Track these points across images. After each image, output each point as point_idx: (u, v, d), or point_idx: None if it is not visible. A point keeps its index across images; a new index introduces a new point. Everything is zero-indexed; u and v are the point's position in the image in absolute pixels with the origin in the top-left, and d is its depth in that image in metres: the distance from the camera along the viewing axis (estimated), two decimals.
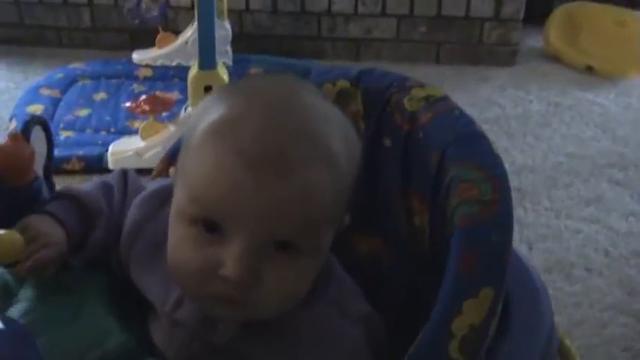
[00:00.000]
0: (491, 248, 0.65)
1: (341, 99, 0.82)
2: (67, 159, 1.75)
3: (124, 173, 0.80)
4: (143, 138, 1.74)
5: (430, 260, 0.78)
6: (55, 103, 2.00)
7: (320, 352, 0.68)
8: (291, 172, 0.60)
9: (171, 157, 0.86)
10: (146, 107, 1.69)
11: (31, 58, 2.35)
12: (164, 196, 0.72)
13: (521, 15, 2.35)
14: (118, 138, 1.82)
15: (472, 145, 0.72)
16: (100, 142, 1.83)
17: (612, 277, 1.50)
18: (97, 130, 1.90)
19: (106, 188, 0.78)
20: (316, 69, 0.86)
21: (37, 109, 1.95)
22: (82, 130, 1.90)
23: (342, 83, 0.82)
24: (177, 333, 0.70)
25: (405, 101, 0.78)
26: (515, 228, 1.56)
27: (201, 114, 0.66)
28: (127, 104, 1.77)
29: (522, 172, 1.83)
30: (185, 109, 1.81)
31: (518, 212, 1.64)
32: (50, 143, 0.81)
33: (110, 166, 1.74)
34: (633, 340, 1.35)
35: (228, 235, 0.62)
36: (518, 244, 1.56)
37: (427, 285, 0.76)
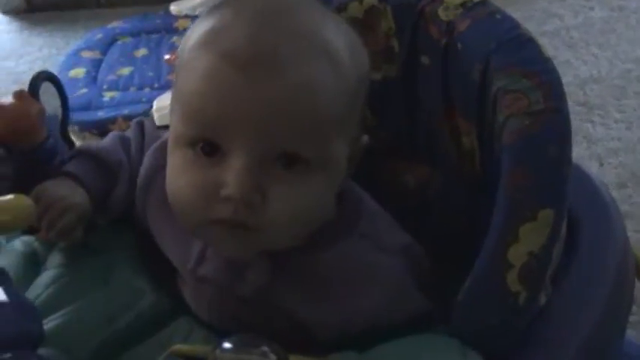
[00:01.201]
0: (547, 163, 0.57)
1: (370, 17, 0.74)
2: (112, 119, 1.72)
3: (141, 124, 0.75)
4: None
5: (482, 180, 0.71)
6: (97, 64, 1.96)
7: (358, 288, 0.63)
8: (285, 69, 0.56)
9: None
10: None
11: (71, 23, 2.32)
12: None
13: None
14: (162, 93, 1.77)
15: (517, 50, 0.63)
16: (144, 99, 1.79)
17: None
18: (140, 88, 1.86)
19: (124, 141, 0.73)
20: None
21: (78, 72, 1.91)
22: (125, 89, 1.86)
23: (370, 0, 0.74)
24: (205, 290, 0.65)
25: (440, 11, 0.69)
26: (584, 144, 1.50)
27: (190, 31, 0.62)
28: (167, 57, 1.72)
29: (587, 84, 1.71)
30: None
31: (585, 127, 1.54)
32: (64, 98, 0.75)
33: (157, 122, 1.69)
34: None
35: (228, 153, 0.57)
36: (588, 161, 1.46)
37: (484, 206, 0.69)
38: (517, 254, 0.56)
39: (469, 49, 0.67)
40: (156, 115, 1.75)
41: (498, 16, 0.67)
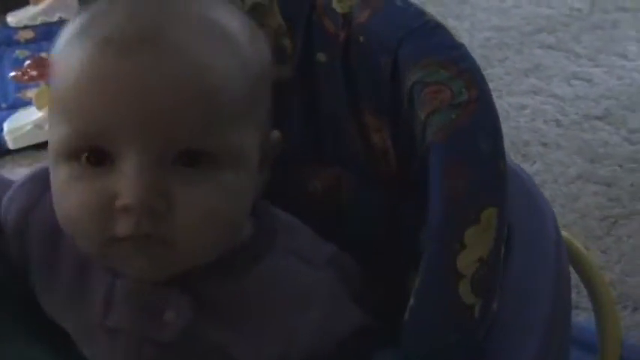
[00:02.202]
0: (482, 158, 0.53)
1: (256, 15, 0.67)
2: None
3: None
4: (39, 108, 1.56)
5: (401, 182, 0.66)
6: None
7: (291, 309, 0.57)
8: (176, 50, 0.49)
9: None
10: (33, 73, 1.51)
11: None
12: (46, 177, 0.57)
13: None
14: (12, 114, 1.63)
15: (427, 38, 0.59)
16: None
17: (570, 146, 1.42)
18: None
19: None
20: None
21: None
22: None
23: None
24: (118, 343, 0.56)
25: (334, 3, 0.64)
26: None
27: (65, 27, 0.54)
28: (12, 74, 1.58)
29: None
30: None
31: None
32: None
33: (10, 146, 1.56)
34: (607, 208, 1.28)
35: (118, 157, 0.49)
36: None
37: (405, 210, 0.65)
38: (466, 262, 0.51)
39: (372, 41, 0.61)
40: (9, 139, 1.62)
41: (399, 3, 0.62)
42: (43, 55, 1.63)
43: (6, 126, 1.57)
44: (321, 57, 0.66)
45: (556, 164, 1.38)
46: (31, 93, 1.61)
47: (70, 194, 0.51)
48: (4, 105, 1.70)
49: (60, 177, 0.52)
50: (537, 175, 1.34)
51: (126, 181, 0.48)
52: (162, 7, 0.52)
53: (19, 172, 1.53)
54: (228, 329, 0.55)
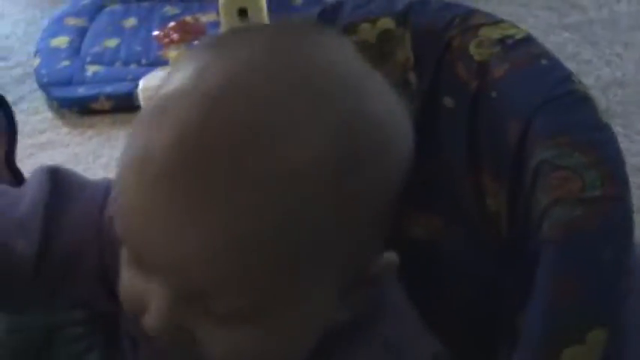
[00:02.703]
0: (600, 271, 0.45)
1: (383, 44, 0.61)
2: (94, 98, 1.60)
3: (52, 171, 0.56)
4: None
5: (507, 249, 0.59)
6: (82, 33, 1.82)
7: None
8: (231, 193, 0.40)
9: None
10: (175, 36, 1.50)
11: None
12: None
13: None
14: (150, 71, 1.64)
15: (568, 112, 0.51)
16: (130, 76, 1.66)
17: None
18: (126, 63, 1.73)
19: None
20: (351, 1, 0.65)
21: (61, 42, 1.78)
22: (110, 63, 1.73)
23: (385, 22, 0.61)
24: None
25: (472, 47, 0.57)
26: None
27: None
28: (155, 33, 1.59)
29: (610, 88, 1.58)
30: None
31: None
32: (11, 120, 0.63)
33: (142, 103, 1.57)
34: None
35: (151, 275, 0.44)
36: None
37: (504, 277, 0.58)
38: None
39: (505, 101, 0.54)
40: (141, 96, 1.63)
41: (544, 62, 0.54)
42: (188, 18, 1.62)
43: (141, 83, 1.58)
44: (448, 102, 0.60)
45: None
46: (172, 53, 1.62)
47: (123, 276, 0.47)
48: (144, 61, 1.72)
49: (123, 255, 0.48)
50: None
51: (152, 309, 0.44)
52: (233, 112, 0.42)
53: None
54: None
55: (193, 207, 0.40)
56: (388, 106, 0.48)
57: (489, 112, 0.56)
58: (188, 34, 1.51)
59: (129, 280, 0.46)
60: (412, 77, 0.61)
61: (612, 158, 0.48)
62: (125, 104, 1.58)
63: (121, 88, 1.63)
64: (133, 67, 1.72)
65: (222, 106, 0.41)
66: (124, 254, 0.46)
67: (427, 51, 0.60)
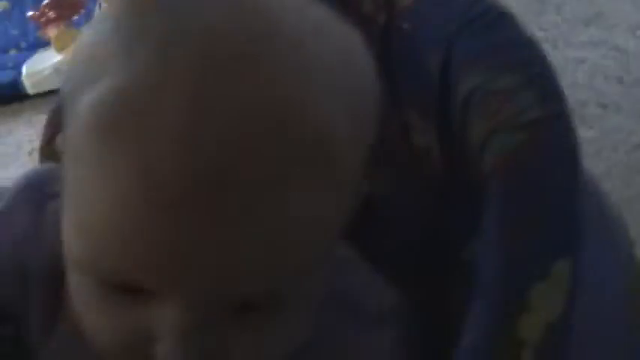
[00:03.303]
0: (555, 196, 0.43)
1: None
2: None
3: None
4: (59, 50, 1.47)
5: (445, 186, 0.56)
6: None
7: None
8: (259, 200, 0.34)
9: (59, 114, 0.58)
10: (51, 14, 1.41)
11: None
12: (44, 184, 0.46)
13: None
14: (32, 55, 1.55)
15: (490, 31, 0.47)
16: (11, 63, 1.56)
17: (633, 109, 1.29)
18: (4, 50, 1.63)
19: None
20: None
21: None
22: None
23: None
24: None
25: None
26: None
27: (74, 70, 0.38)
28: (30, 13, 1.49)
29: None
30: (99, 5, 1.53)
31: None
32: None
33: (29, 91, 1.49)
34: None
35: (159, 293, 0.37)
36: None
37: (445, 214, 0.55)
38: (530, 327, 0.41)
39: (420, 30, 0.50)
40: (28, 83, 1.54)
41: None
42: None
43: (25, 69, 1.49)
44: None
45: (615, 130, 1.25)
46: (52, 32, 1.52)
47: (93, 312, 0.39)
48: (23, 44, 1.62)
49: (78, 285, 0.39)
50: (594, 143, 1.22)
51: (168, 331, 0.36)
52: (244, 108, 0.34)
53: (38, 120, 1.45)
54: None
55: (231, 226, 0.34)
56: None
57: (403, 47, 0.52)
58: (66, 10, 1.42)
59: (113, 320, 0.38)
60: None
61: (545, 74, 0.45)
62: (11, 94, 1.50)
63: (4, 76, 1.53)
64: (12, 53, 1.62)
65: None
66: (97, 292, 0.38)
67: None
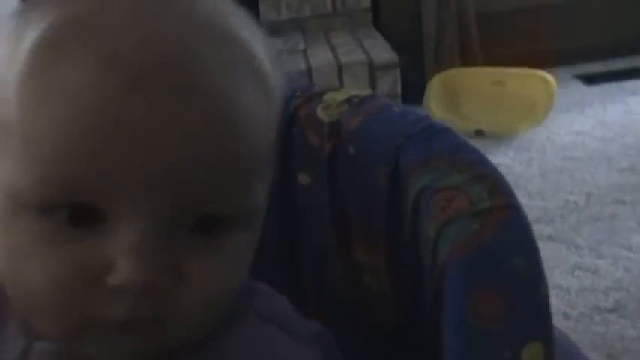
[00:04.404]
0: (517, 280, 0.40)
1: None
2: None
3: None
4: None
5: (403, 327, 0.53)
6: None
7: None
8: (206, 84, 0.36)
9: None
10: None
11: None
12: None
13: (399, 90, 2.20)
14: None
15: (434, 140, 0.47)
16: None
17: (582, 340, 1.27)
18: None
19: None
20: None
21: None
22: None
23: None
24: None
25: (319, 111, 0.53)
26: None
27: (25, 21, 0.38)
28: None
29: None
30: None
31: None
32: None
33: None
34: None
35: (113, 217, 0.36)
36: None
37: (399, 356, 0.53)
38: None
39: (365, 151, 0.50)
40: None
41: (396, 109, 0.51)
42: None
43: None
44: (304, 178, 0.55)
45: None
46: None
47: (35, 261, 0.37)
48: None
49: (20, 234, 0.37)
50: None
51: (124, 252, 0.36)
52: (181, 13, 0.38)
53: None
54: None
55: (191, 110, 0.36)
56: None
57: (350, 170, 0.51)
58: None
59: (60, 258, 0.36)
60: None
61: (492, 172, 0.45)
62: None
63: None
64: None
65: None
66: (43, 231, 0.36)
67: None
